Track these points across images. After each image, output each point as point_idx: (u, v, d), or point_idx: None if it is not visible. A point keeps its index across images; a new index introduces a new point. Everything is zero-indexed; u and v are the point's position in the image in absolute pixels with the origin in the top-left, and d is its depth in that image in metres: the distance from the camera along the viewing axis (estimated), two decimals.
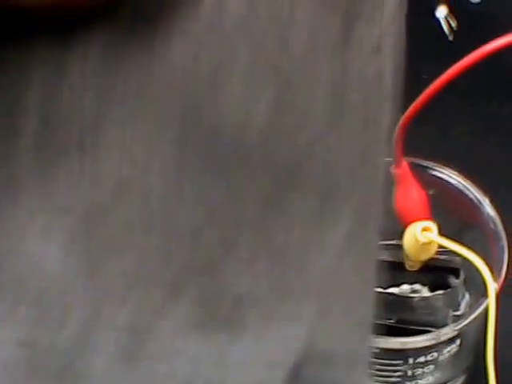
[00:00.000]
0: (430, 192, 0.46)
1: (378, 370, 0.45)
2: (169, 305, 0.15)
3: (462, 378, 0.48)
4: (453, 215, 0.48)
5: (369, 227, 0.15)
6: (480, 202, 0.47)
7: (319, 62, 0.15)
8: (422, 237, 0.44)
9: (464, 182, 0.48)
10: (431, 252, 0.45)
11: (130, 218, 0.15)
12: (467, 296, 0.48)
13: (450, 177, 0.48)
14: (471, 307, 0.46)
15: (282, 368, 0.16)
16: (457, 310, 0.47)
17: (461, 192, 0.48)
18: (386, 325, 0.45)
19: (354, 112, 0.15)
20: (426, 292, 0.48)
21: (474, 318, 0.44)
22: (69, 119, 0.15)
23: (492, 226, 0.46)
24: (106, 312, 0.16)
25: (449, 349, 0.45)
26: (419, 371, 0.45)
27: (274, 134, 0.15)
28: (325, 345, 0.16)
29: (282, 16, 0.14)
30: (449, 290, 0.47)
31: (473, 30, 0.64)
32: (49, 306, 0.15)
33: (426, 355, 0.44)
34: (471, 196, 0.47)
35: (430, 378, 0.46)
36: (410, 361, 0.44)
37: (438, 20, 0.65)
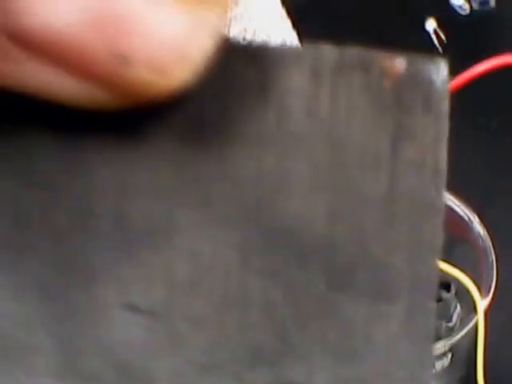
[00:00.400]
0: None
1: None
2: None
3: None
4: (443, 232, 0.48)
5: (422, 319, 0.16)
6: (469, 219, 0.47)
7: (369, 178, 0.16)
8: None
9: (453, 199, 0.48)
10: None
11: (196, 315, 0.16)
12: (459, 308, 0.48)
13: None
14: (463, 319, 0.46)
15: None
16: (449, 321, 0.48)
17: (450, 209, 0.48)
18: None
19: (401, 222, 0.16)
20: None
21: (465, 334, 0.44)
22: (139, 222, 0.16)
23: (481, 242, 0.47)
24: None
25: (441, 362, 0.46)
26: None
27: (329, 240, 0.16)
28: None
29: (338, 136, 0.16)
30: (440, 303, 0.47)
31: (462, 42, 0.65)
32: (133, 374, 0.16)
33: None
34: (461, 213, 0.48)
35: None
36: None
37: (427, 33, 0.66)
